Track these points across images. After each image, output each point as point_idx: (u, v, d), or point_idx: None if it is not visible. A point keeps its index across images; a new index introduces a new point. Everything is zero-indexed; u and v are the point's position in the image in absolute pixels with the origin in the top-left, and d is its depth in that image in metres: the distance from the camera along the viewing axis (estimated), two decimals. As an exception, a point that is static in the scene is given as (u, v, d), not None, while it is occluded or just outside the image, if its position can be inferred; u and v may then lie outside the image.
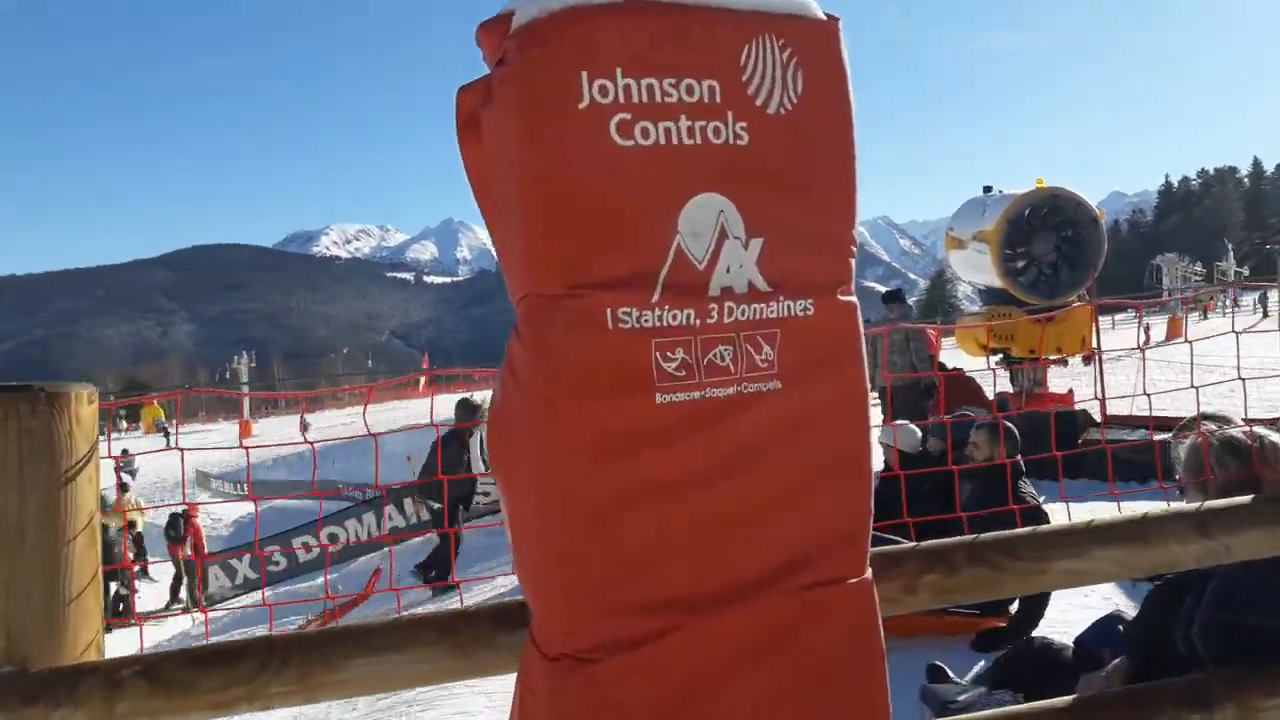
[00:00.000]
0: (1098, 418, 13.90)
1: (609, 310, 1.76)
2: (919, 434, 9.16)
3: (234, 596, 16.36)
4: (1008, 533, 2.60)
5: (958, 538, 2.55)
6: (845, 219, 1.99)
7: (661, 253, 1.80)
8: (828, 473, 1.95)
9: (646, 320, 1.78)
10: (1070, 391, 15.48)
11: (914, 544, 2.52)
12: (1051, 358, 15.20)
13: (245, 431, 51.44)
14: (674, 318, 1.80)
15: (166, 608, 20.71)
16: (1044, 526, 2.65)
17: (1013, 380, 16.23)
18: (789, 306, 1.91)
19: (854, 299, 2.03)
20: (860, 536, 2.00)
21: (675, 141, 1.79)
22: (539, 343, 1.76)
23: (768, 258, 1.89)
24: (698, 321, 1.82)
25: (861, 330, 2.04)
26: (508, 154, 1.77)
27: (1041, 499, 7.47)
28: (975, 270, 15.82)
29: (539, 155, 1.74)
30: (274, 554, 14.83)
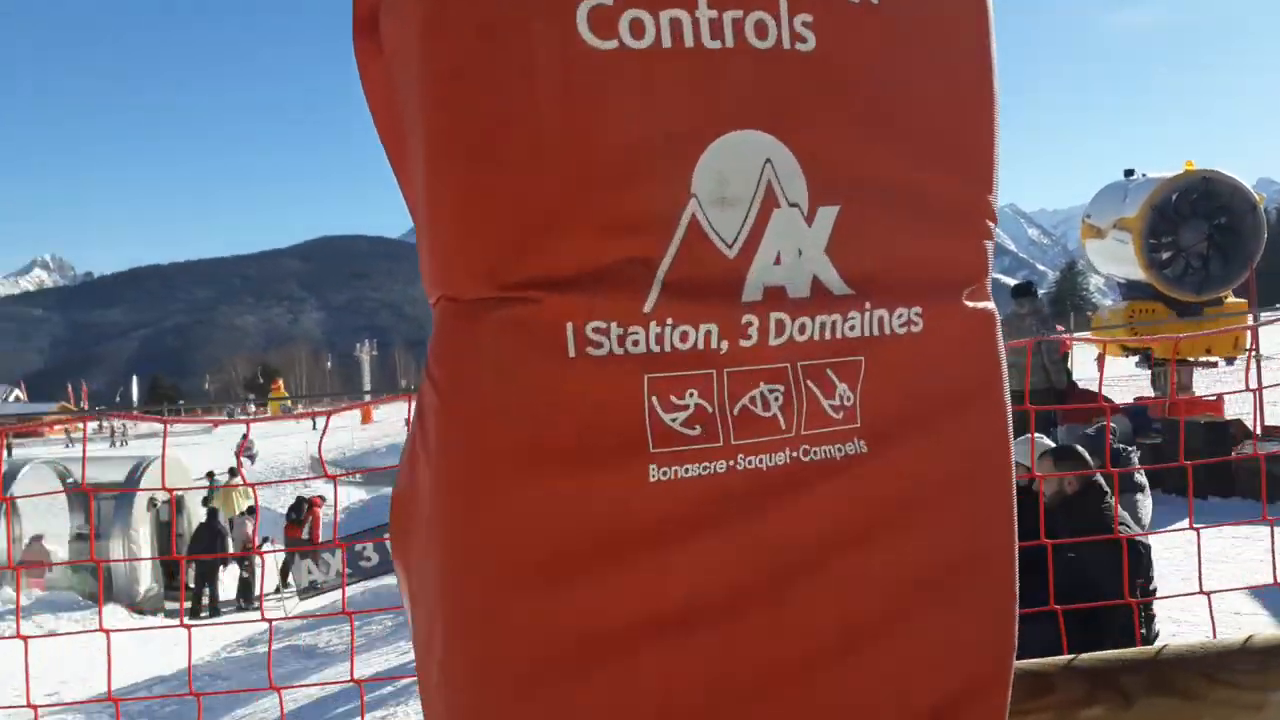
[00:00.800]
0: (1256, 429, 12.51)
1: (570, 326, 1.05)
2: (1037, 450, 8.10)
3: (330, 589, 16.21)
4: (1210, 644, 1.79)
5: (1137, 650, 1.76)
6: (979, 174, 1.23)
7: (661, 230, 1.07)
8: (944, 589, 1.19)
9: (635, 342, 1.06)
10: (1220, 398, 14.07)
11: (1067, 660, 1.73)
12: (1199, 360, 13.88)
13: (366, 418, 52.35)
14: (682, 338, 1.08)
15: (276, 591, 20.85)
16: (1265, 636, 1.83)
17: (1153, 384, 14.89)
18: (882, 319, 1.17)
19: (990, 305, 1.27)
20: (996, 687, 1.24)
21: (689, 43, 1.07)
22: (453, 379, 1.06)
23: (847, 239, 1.15)
24: (724, 344, 1.09)
25: (1003, 354, 1.28)
26: (409, 69, 1.07)
27: (1181, 526, 6.36)
28: (1114, 261, 14.60)
29: (452, 69, 1.03)
30: (365, 549, 14.55)
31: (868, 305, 1.16)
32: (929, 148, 1.19)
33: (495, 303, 1.04)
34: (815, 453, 1.14)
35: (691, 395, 1.09)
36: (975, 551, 1.22)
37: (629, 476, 1.06)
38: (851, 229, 1.15)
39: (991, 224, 1.27)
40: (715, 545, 1.08)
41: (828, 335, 1.14)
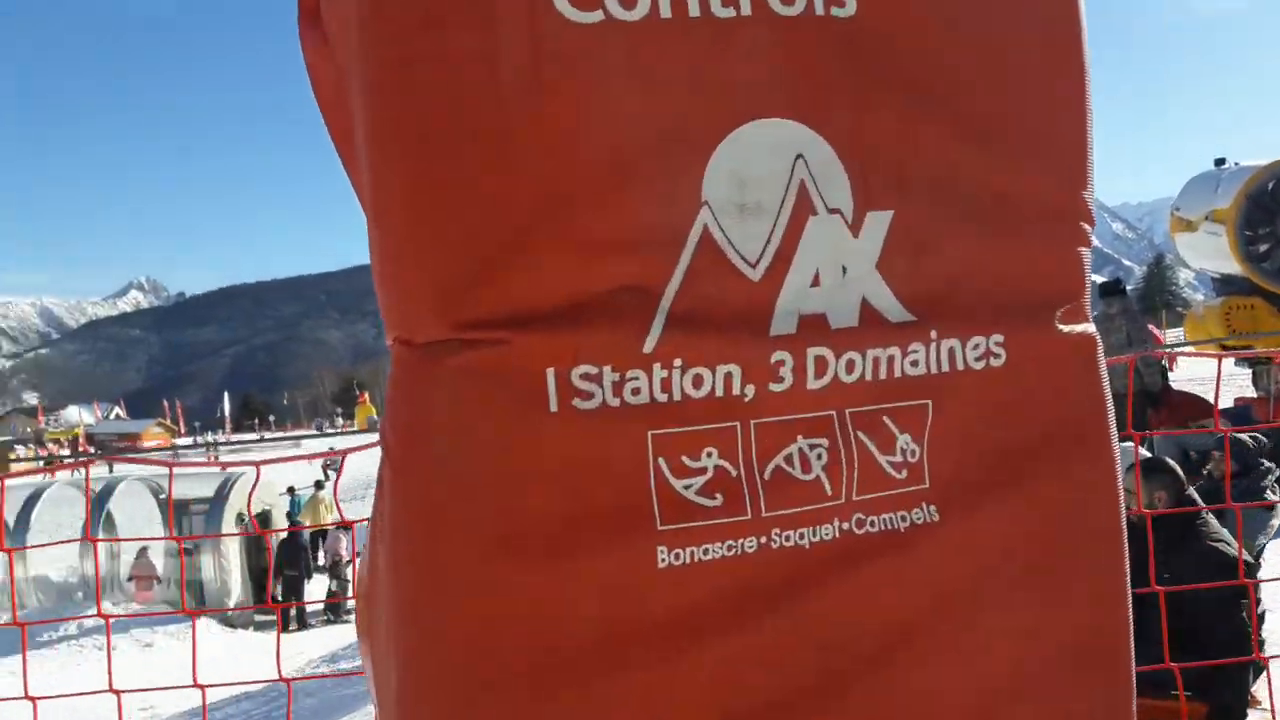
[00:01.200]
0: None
1: (550, 373, 0.83)
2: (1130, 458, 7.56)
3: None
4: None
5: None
6: (1071, 167, 0.99)
7: (664, 248, 0.85)
8: (1039, 691, 0.95)
9: (635, 390, 0.84)
10: (1332, 397, 13.25)
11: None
12: (1307, 355, 13.13)
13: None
14: (695, 383, 0.86)
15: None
16: None
17: (1255, 383, 14.14)
18: (953, 352, 0.93)
19: (1089, 329, 1.02)
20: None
21: (695, 11, 0.85)
22: (405, 445, 0.85)
23: (905, 251, 0.92)
24: (749, 390, 0.87)
25: (1106, 386, 1.03)
26: (351, 58, 0.87)
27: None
28: (1207, 255, 13.86)
29: (398, 55, 0.83)
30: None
31: (934, 334, 0.92)
32: (1006, 134, 0.95)
33: (453, 346, 0.83)
34: (872, 523, 0.90)
35: (710, 455, 0.86)
36: (1080, 644, 0.97)
37: (630, 562, 0.84)
38: (910, 239, 0.92)
39: (1088, 227, 1.02)
40: (745, 647, 0.85)
41: (883, 374, 0.91)
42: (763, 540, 0.86)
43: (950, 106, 0.92)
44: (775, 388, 0.87)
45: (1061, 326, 0.98)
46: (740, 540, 0.86)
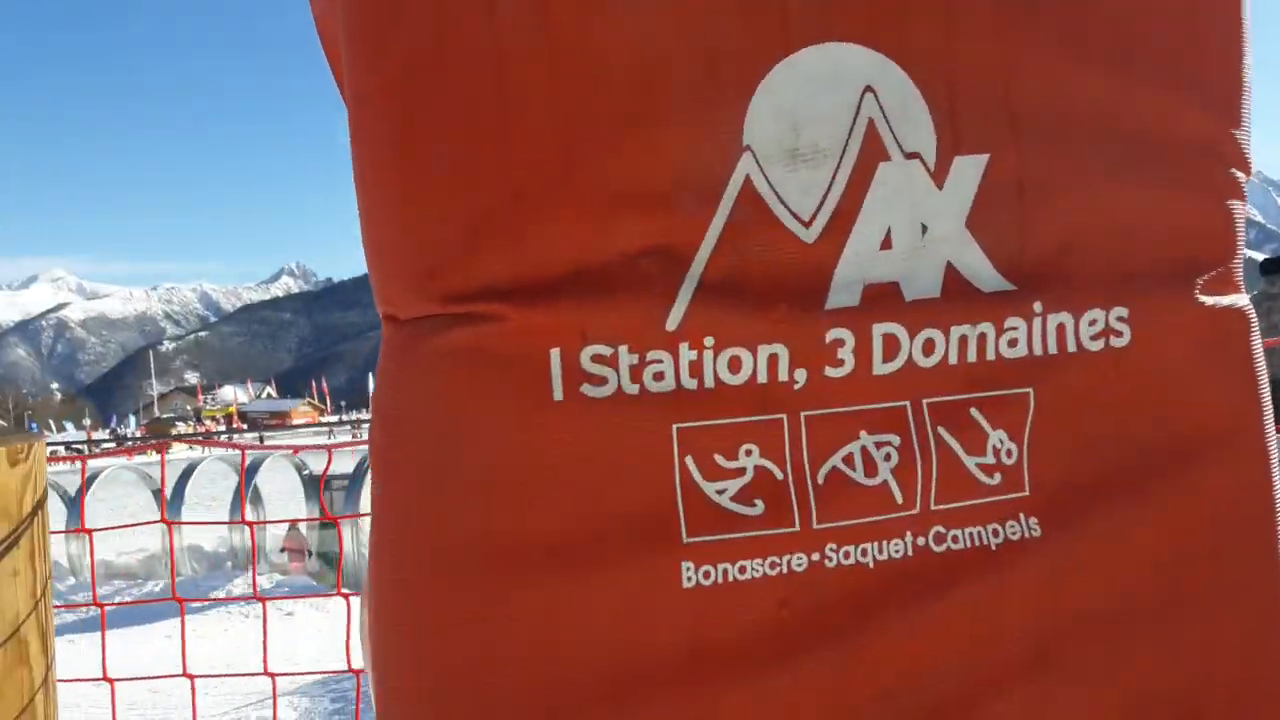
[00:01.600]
0: None
1: (555, 353, 0.69)
2: None
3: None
4: None
5: None
6: (1220, 97, 0.79)
7: (695, 203, 0.70)
8: None
9: (658, 375, 0.70)
10: None
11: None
12: None
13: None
14: (732, 366, 0.70)
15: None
16: None
17: None
18: (1063, 329, 0.75)
19: (1242, 300, 0.82)
20: None
21: None
22: (388, 439, 0.72)
23: (1003, 204, 0.74)
24: (799, 375, 0.71)
25: (1262, 373, 0.82)
26: None
27: None
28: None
29: None
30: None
31: (1038, 307, 0.74)
32: (1137, 54, 0.76)
33: (441, 323, 0.70)
34: (955, 539, 0.73)
35: (749, 454, 0.71)
36: (1233, 684, 0.77)
37: (650, 581, 0.69)
38: (1011, 189, 0.74)
39: (1241, 176, 0.82)
40: (787, 690, 0.70)
41: (972, 356, 0.73)
42: (814, 558, 0.71)
43: (1064, 21, 0.74)
44: (832, 373, 0.71)
45: (1204, 298, 0.78)
46: (786, 557, 0.70)
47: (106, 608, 1.97)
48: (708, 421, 0.70)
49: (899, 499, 0.72)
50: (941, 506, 0.73)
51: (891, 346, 0.72)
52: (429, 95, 0.68)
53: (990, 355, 0.74)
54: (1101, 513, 0.75)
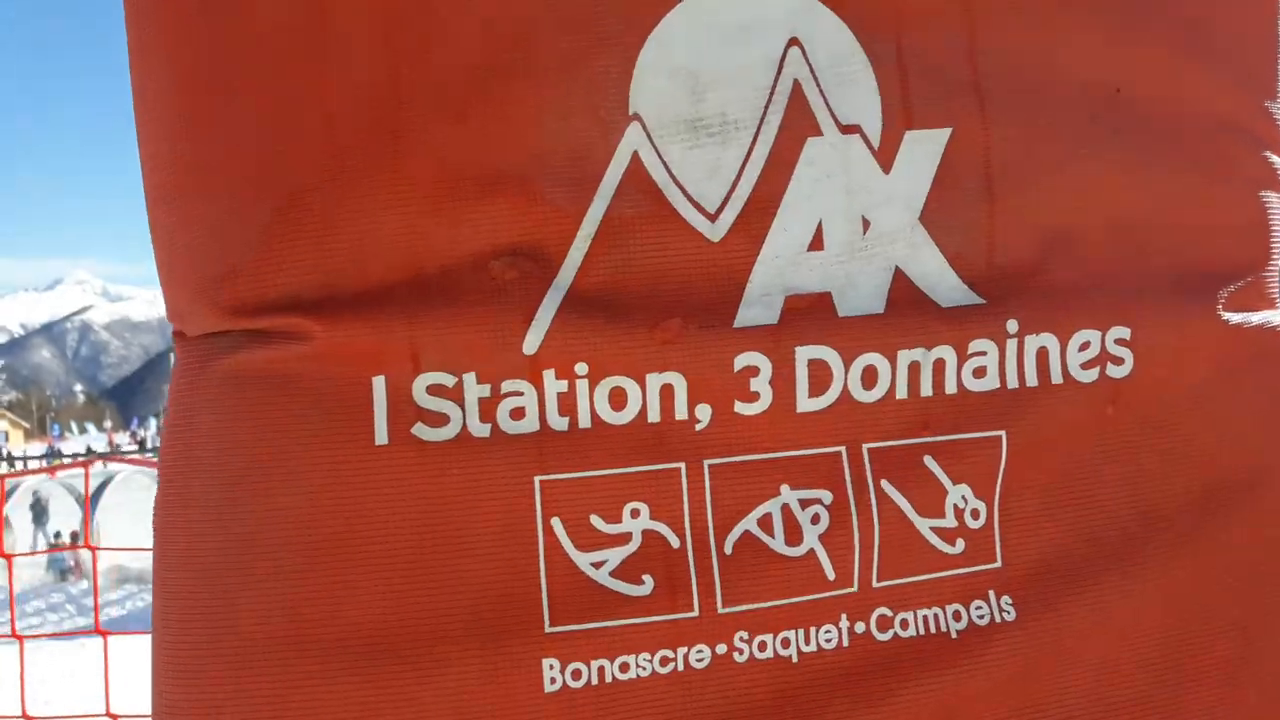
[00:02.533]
0: None
1: (379, 383, 0.53)
2: None
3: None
4: None
5: None
6: (1251, 66, 0.63)
7: (567, 190, 0.54)
8: None
9: (516, 412, 0.53)
10: None
11: None
12: None
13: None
14: (614, 400, 0.54)
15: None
16: None
17: None
18: (1044, 354, 0.59)
19: (1276, 316, 0.65)
20: None
21: None
22: (171, 478, 0.56)
23: (969, 193, 0.58)
24: (701, 413, 0.55)
25: None
26: None
27: None
28: None
29: None
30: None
31: (1013, 326, 0.58)
32: (1139, 8, 0.60)
33: (234, 340, 0.54)
34: (905, 623, 0.57)
35: (636, 516, 0.55)
36: None
37: (502, 683, 0.53)
38: (977, 174, 0.58)
39: (1277, 161, 0.66)
40: None
41: (927, 390, 0.57)
42: (720, 650, 0.54)
43: None
44: (744, 409, 0.55)
45: (1228, 315, 0.62)
46: (682, 650, 0.54)
47: (25, 640, 1.83)
48: (582, 474, 0.54)
49: (830, 574, 0.56)
50: (886, 583, 0.57)
51: (821, 376, 0.55)
52: (223, 40, 0.53)
53: (950, 388, 0.57)
54: (1091, 589, 0.58)
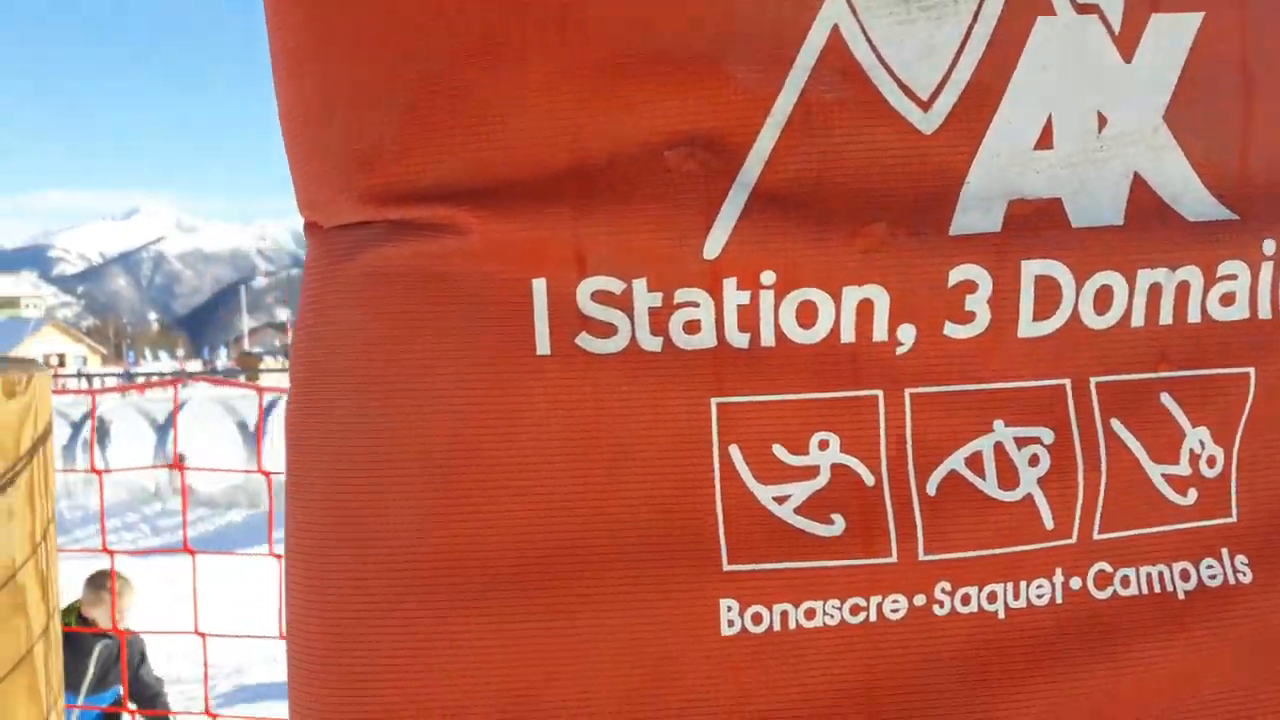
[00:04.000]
0: None
1: (539, 286, 0.46)
2: None
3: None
4: None
5: None
6: None
7: (756, 72, 0.47)
8: None
9: (690, 325, 0.47)
10: None
11: None
12: None
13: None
14: (802, 316, 0.47)
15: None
16: None
17: None
18: None
19: None
20: None
21: None
22: (306, 388, 0.51)
23: (1223, 91, 0.49)
24: (904, 334, 0.48)
25: None
26: None
27: None
28: None
29: None
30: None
31: (1270, 247, 0.50)
32: None
33: (377, 233, 0.48)
34: (1126, 580, 0.50)
35: (825, 448, 0.48)
36: None
37: (673, 623, 0.47)
38: (1232, 68, 0.49)
39: None
40: None
41: (1167, 317, 0.49)
42: (918, 602, 0.48)
43: None
44: (956, 331, 0.48)
45: None
46: (876, 599, 0.48)
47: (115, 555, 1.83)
48: (764, 397, 0.47)
49: (1049, 523, 0.49)
50: (1109, 535, 0.49)
51: (1049, 295, 0.48)
52: None
53: (1193, 316, 0.49)
54: None
